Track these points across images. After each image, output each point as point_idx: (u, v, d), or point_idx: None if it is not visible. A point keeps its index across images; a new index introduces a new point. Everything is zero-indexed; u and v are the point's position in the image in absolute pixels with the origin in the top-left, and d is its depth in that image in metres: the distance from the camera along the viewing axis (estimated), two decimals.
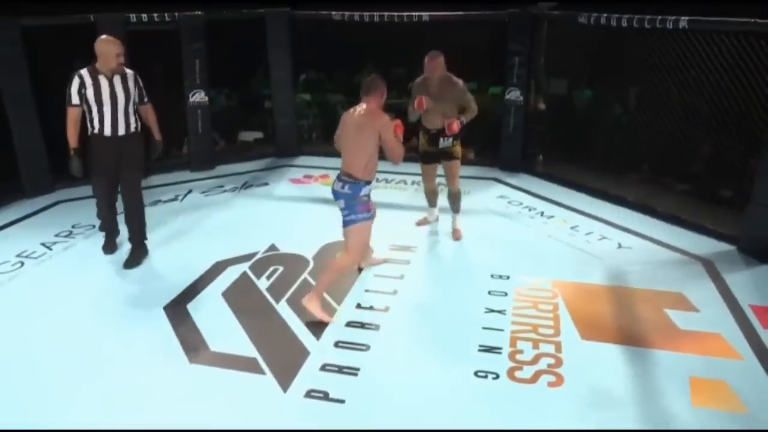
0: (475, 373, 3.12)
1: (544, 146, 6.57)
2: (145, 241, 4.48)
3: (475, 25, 6.58)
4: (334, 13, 6.51)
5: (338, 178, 3.61)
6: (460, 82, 4.43)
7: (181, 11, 6.14)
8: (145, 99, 4.36)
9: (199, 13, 6.23)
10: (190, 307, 3.76)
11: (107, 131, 4.14)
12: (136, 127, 4.28)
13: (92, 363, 3.22)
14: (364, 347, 3.35)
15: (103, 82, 4.09)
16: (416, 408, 2.88)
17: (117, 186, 4.39)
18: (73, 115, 4.13)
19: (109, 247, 4.56)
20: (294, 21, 6.69)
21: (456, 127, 4.35)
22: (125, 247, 4.49)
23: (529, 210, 5.42)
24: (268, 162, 6.86)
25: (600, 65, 6.24)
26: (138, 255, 4.41)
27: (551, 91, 6.57)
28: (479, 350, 3.32)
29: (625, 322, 3.62)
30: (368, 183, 3.57)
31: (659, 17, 4.78)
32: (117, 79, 4.12)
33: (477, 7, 6.21)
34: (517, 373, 3.13)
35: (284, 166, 6.80)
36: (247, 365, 3.17)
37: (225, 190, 6.01)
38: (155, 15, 6.00)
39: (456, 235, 4.79)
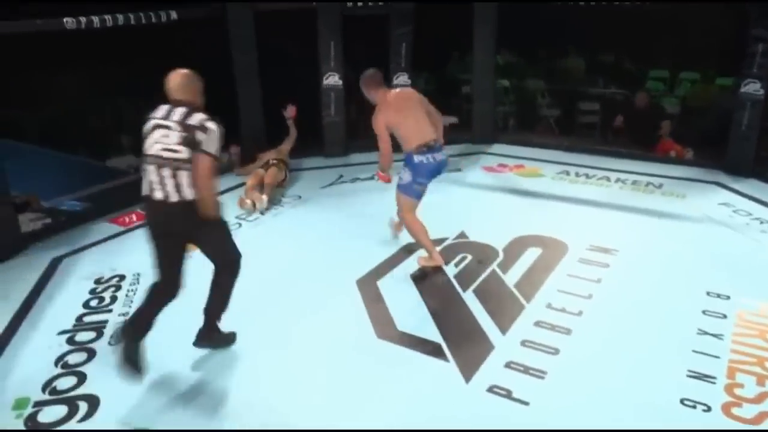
0: (682, 401, 2.76)
1: None
2: None
3: (700, 7, 5.81)
4: None
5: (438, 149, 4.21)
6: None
7: None
8: None
9: None
10: (381, 283, 3.86)
11: None
12: None
13: (291, 314, 3.51)
14: (552, 351, 3.15)
15: None
16: (607, 426, 2.63)
17: None
18: None
19: None
20: (501, 7, 6.49)
21: None
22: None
23: (761, 222, 4.67)
24: (462, 148, 6.77)
25: None
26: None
27: None
28: (688, 376, 2.93)
29: None
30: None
31: None
32: None
33: None
34: (735, 410, 2.71)
35: (478, 153, 6.68)
36: (432, 350, 3.16)
37: None
38: (369, 1, 6.23)
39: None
